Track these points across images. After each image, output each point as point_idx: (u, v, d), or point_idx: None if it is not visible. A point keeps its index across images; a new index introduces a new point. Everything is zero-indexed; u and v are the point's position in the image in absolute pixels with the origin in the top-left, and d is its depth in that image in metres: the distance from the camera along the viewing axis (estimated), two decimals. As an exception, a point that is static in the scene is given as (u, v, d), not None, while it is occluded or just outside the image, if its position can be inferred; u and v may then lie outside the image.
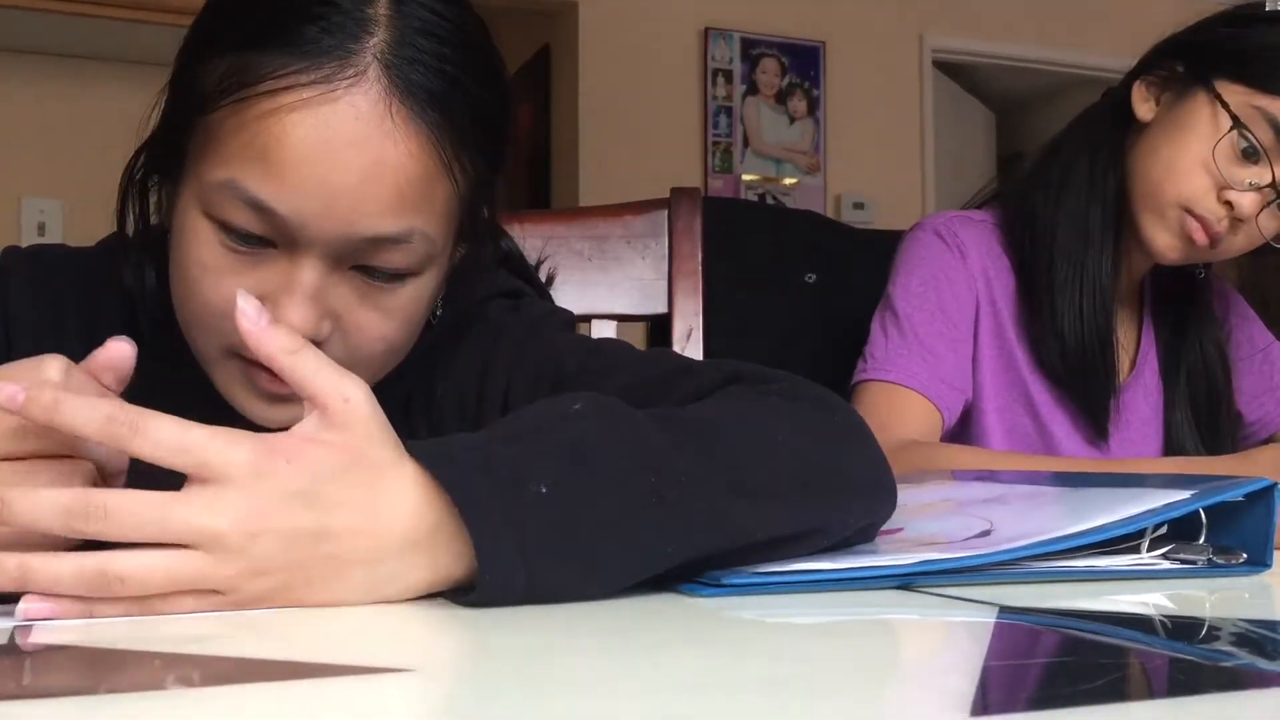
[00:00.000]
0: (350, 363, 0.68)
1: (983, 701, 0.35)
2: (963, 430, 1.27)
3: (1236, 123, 1.15)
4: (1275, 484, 0.66)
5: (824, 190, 4.29)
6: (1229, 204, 1.16)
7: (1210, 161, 1.16)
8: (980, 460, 1.12)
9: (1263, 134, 1.15)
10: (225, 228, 0.68)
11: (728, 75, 4.22)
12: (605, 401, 0.58)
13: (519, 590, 0.51)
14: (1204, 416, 1.32)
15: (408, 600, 0.53)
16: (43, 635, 0.46)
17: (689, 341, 1.25)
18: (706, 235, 1.27)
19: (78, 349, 0.71)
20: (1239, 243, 1.19)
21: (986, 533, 0.66)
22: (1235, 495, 0.66)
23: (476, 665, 0.42)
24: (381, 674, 0.40)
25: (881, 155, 4.37)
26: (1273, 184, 1.15)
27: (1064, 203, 1.26)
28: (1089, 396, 1.26)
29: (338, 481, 0.51)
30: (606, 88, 4.06)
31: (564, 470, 0.53)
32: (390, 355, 0.75)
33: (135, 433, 0.49)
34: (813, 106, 4.31)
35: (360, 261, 0.69)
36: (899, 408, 1.19)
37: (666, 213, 1.27)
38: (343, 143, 0.65)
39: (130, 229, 0.78)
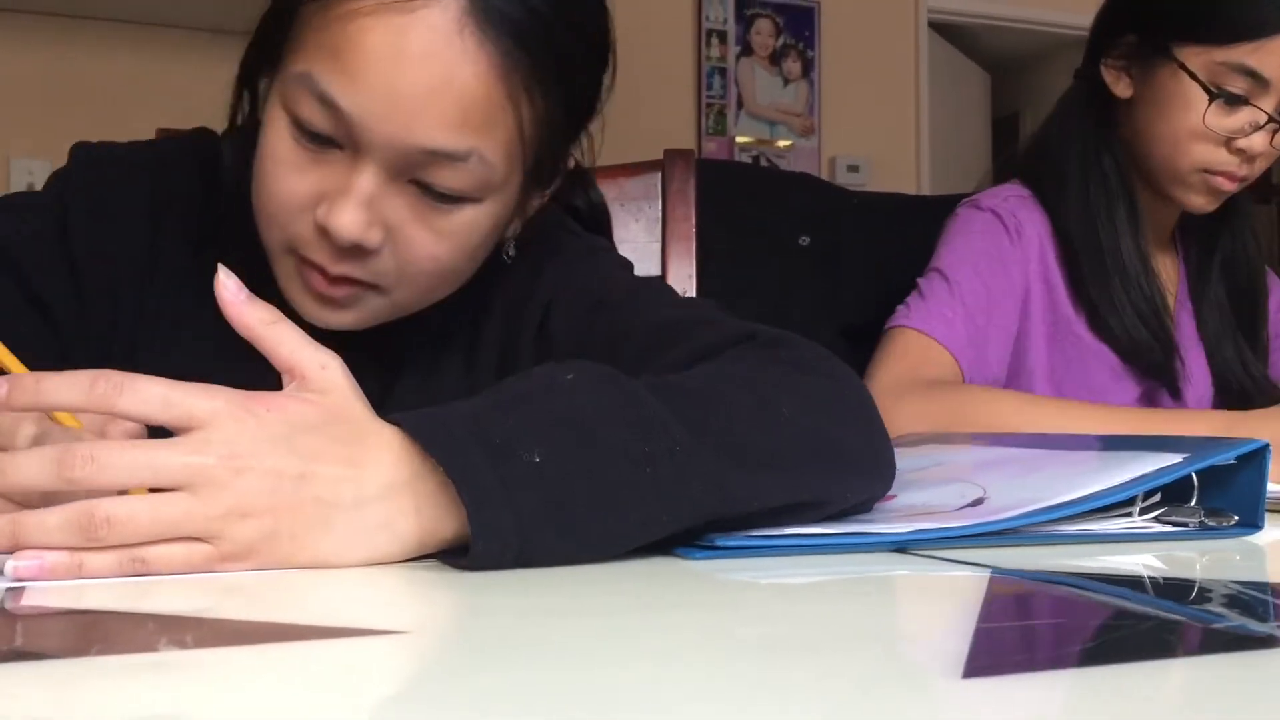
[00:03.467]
0: (399, 278, 0.74)
1: (975, 663, 0.35)
2: None
3: (1210, 92, 1.17)
4: (1267, 445, 0.66)
5: (818, 153, 4.28)
6: (1240, 150, 1.19)
7: (1203, 129, 1.18)
8: (1010, 406, 1.09)
9: (1238, 84, 1.18)
10: (297, 121, 0.70)
11: (722, 36, 4.20)
12: (598, 370, 0.58)
13: (511, 558, 0.51)
14: (1242, 319, 1.33)
15: (402, 562, 0.54)
16: (35, 598, 0.46)
17: (682, 304, 1.24)
18: (700, 198, 1.27)
19: (144, 233, 0.80)
20: (1261, 167, 1.23)
21: (979, 500, 0.67)
22: (1227, 458, 0.66)
23: (471, 628, 0.42)
24: (377, 636, 0.40)
25: (876, 117, 4.35)
26: (1270, 117, 1.18)
27: (1067, 199, 1.26)
28: (1153, 372, 1.26)
29: (318, 433, 0.51)
30: (600, 48, 4.03)
31: (556, 440, 0.52)
32: (442, 278, 0.76)
33: (121, 393, 0.49)
34: (807, 68, 4.29)
35: (418, 175, 0.71)
36: (931, 356, 1.18)
37: (660, 175, 1.27)
38: (412, 52, 0.67)
39: (241, 120, 0.80)
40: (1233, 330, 1.33)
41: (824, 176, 4.06)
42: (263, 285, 0.73)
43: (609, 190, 1.26)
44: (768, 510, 0.58)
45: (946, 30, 4.81)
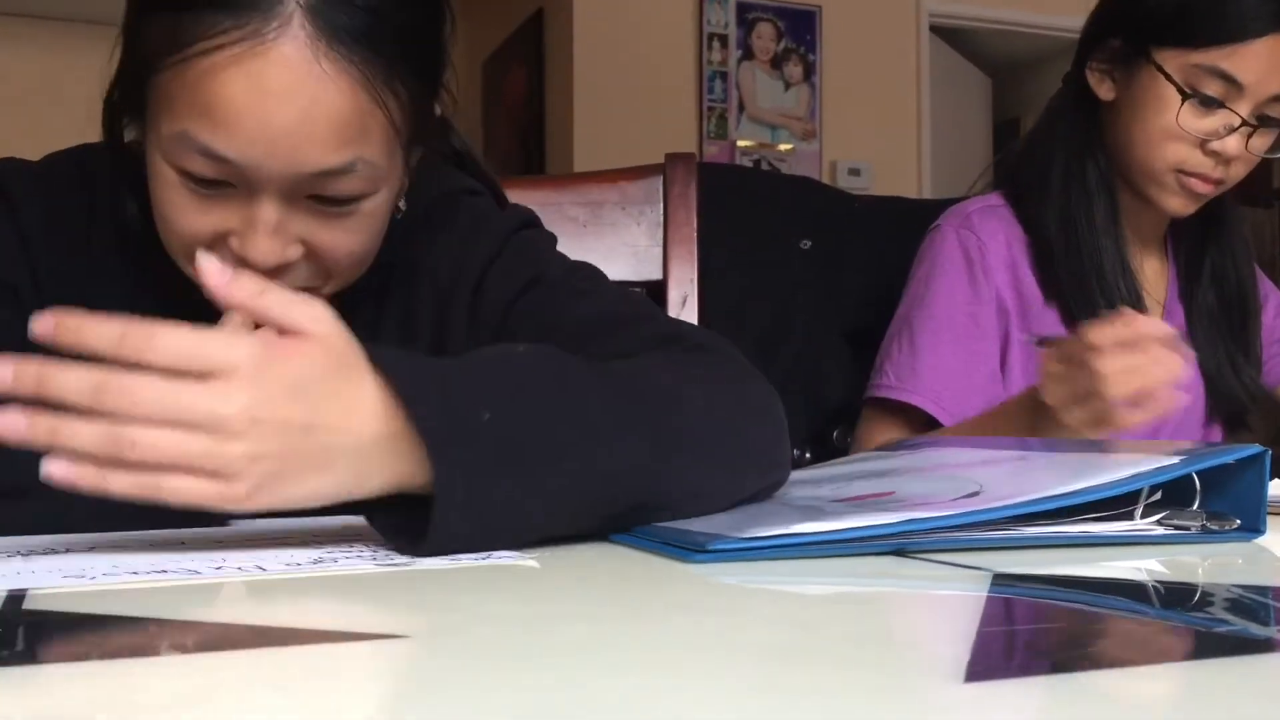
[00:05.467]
0: (326, 275, 0.79)
1: (976, 668, 0.35)
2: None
3: (1183, 93, 1.19)
4: (1267, 450, 0.66)
5: (819, 156, 4.28)
6: (1215, 152, 1.20)
7: (1178, 129, 1.20)
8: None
9: (1212, 87, 1.19)
10: (185, 173, 0.74)
11: (723, 40, 4.20)
12: (547, 349, 0.66)
13: (461, 500, 0.56)
14: (1233, 327, 1.33)
15: (400, 567, 0.54)
16: (37, 603, 0.46)
17: (684, 308, 1.24)
18: (702, 201, 1.27)
19: (82, 251, 0.84)
20: (1239, 170, 1.24)
21: (976, 493, 0.66)
22: (1227, 459, 0.66)
23: (470, 632, 0.42)
24: (376, 640, 0.40)
25: (877, 121, 4.35)
26: (1243, 121, 1.20)
27: (1048, 200, 1.28)
28: None
29: (324, 379, 0.57)
30: (601, 52, 4.04)
31: (505, 402, 0.59)
32: (361, 263, 0.81)
33: (149, 342, 0.54)
34: (809, 72, 4.30)
35: (313, 192, 0.75)
36: (902, 420, 1.23)
37: (661, 179, 1.26)
38: (276, 91, 0.71)
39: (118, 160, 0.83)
40: (1224, 337, 1.34)
41: (825, 180, 4.06)
42: (186, 282, 0.78)
43: (610, 194, 1.26)
44: (683, 496, 0.65)
45: (948, 34, 4.82)
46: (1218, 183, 1.22)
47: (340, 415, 0.57)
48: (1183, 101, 1.19)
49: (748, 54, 4.23)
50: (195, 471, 0.54)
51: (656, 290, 1.26)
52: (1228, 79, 1.19)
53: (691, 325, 0.79)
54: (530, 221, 0.94)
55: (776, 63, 4.27)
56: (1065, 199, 1.27)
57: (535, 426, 0.60)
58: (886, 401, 1.25)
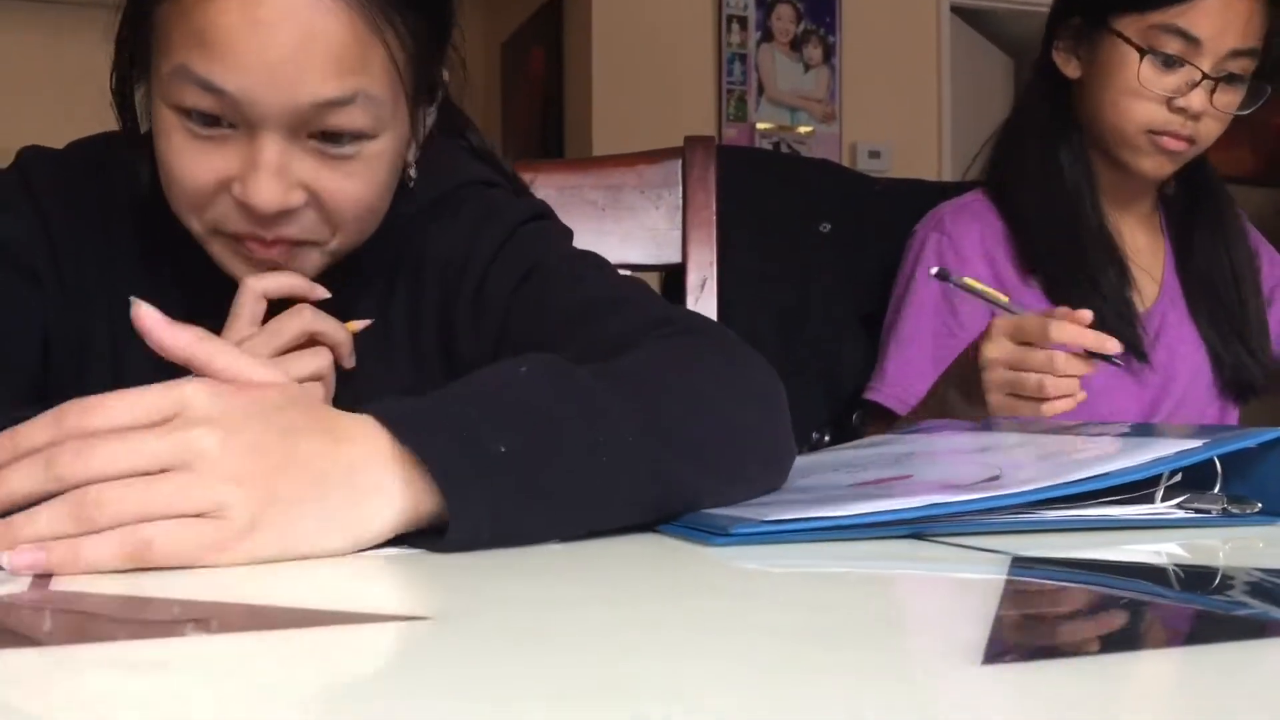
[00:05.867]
0: (329, 227, 0.78)
1: (994, 650, 0.35)
2: None
3: (1142, 51, 1.24)
4: (1291, 433, 0.66)
5: (839, 139, 4.26)
6: (1181, 109, 1.25)
7: (1140, 88, 1.25)
8: None
9: (1171, 45, 1.24)
10: (185, 113, 0.73)
11: (742, 22, 4.18)
12: (549, 361, 0.60)
13: (485, 540, 0.53)
14: (1231, 303, 1.36)
15: (419, 550, 0.54)
16: (62, 584, 0.47)
17: (703, 291, 1.24)
18: (721, 184, 1.27)
19: (101, 237, 0.84)
20: (1211, 127, 1.28)
21: (995, 478, 0.66)
22: (1249, 444, 0.65)
23: (491, 613, 0.42)
24: (399, 621, 0.40)
25: (898, 103, 4.33)
26: (1204, 75, 1.24)
27: (1027, 187, 1.33)
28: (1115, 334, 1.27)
29: (295, 409, 0.52)
30: (620, 35, 4.03)
31: (519, 431, 0.54)
32: (366, 217, 0.80)
33: (88, 415, 0.49)
34: (828, 53, 4.27)
35: (315, 128, 0.74)
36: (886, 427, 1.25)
37: (680, 162, 1.26)
38: (273, 19, 0.70)
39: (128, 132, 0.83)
40: (1226, 312, 1.36)
41: (845, 163, 4.04)
42: (205, 264, 0.80)
43: (629, 178, 1.26)
44: (701, 497, 0.62)
45: (968, 14, 4.78)
46: (1189, 140, 1.26)
47: (324, 434, 0.52)
48: (1141, 58, 1.24)
49: (767, 36, 4.21)
50: (179, 513, 0.48)
51: (676, 274, 1.26)
52: (1185, 36, 1.23)
53: (683, 309, 0.79)
54: (542, 213, 0.93)
55: (796, 45, 4.25)
56: (1042, 177, 1.32)
57: (549, 452, 0.55)
58: (875, 407, 1.31)
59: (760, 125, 4.19)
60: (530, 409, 0.56)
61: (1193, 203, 1.38)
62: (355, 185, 0.77)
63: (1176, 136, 1.26)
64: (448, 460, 0.52)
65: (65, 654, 0.36)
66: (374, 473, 0.52)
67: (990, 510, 0.61)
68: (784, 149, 4.14)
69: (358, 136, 0.76)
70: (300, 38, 0.71)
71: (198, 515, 0.48)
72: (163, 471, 0.48)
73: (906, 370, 1.29)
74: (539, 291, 0.83)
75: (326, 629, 0.40)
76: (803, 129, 4.24)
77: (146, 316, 0.53)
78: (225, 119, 0.73)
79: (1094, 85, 1.30)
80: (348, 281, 0.84)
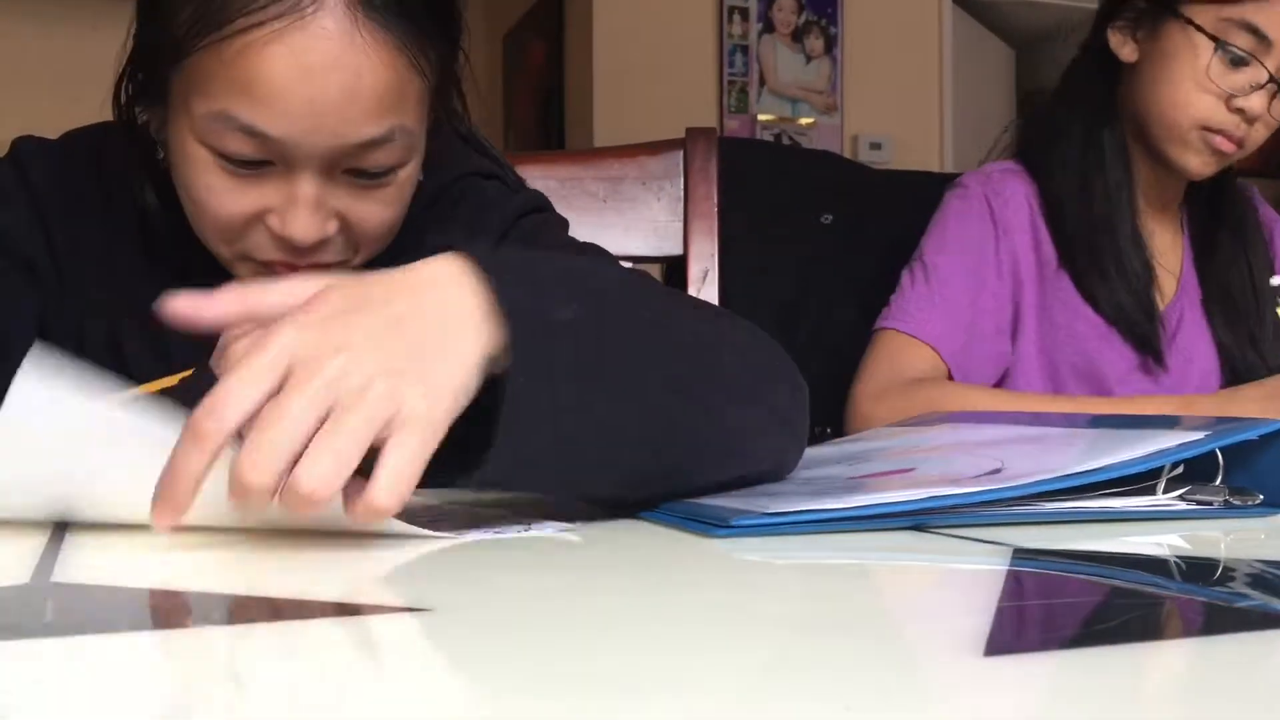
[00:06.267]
0: (354, 249, 0.79)
1: (997, 642, 0.35)
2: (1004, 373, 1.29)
3: (1217, 42, 1.20)
4: (1293, 427, 0.65)
5: (841, 130, 4.25)
6: (1240, 110, 1.21)
7: (1207, 81, 1.21)
8: (986, 400, 1.14)
9: (1243, 41, 1.20)
10: (223, 154, 0.73)
11: (744, 13, 4.17)
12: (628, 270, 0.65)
13: (546, 399, 0.53)
14: (1247, 305, 1.34)
15: (421, 541, 0.54)
16: (67, 574, 0.47)
17: (705, 283, 1.24)
18: (722, 176, 1.27)
19: (99, 226, 0.84)
20: (1260, 133, 1.25)
21: (997, 471, 0.66)
22: (1251, 435, 0.65)
23: (493, 605, 0.42)
24: (401, 613, 0.41)
25: (899, 95, 4.32)
26: (1271, 78, 1.21)
27: (1064, 167, 1.29)
28: (1136, 337, 1.28)
29: (379, 284, 0.54)
30: (621, 26, 4.02)
31: (588, 306, 0.57)
32: (390, 235, 0.82)
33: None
34: (830, 45, 4.27)
35: (351, 165, 0.75)
36: (912, 355, 1.23)
37: (682, 154, 1.26)
38: (320, 65, 0.71)
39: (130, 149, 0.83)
40: (1241, 314, 1.34)
41: (846, 154, 4.04)
42: (205, 254, 0.80)
43: (630, 169, 1.26)
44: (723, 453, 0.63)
45: (970, 5, 4.77)
46: (1239, 143, 1.23)
47: (409, 290, 0.54)
48: (1214, 51, 1.20)
49: (768, 27, 4.21)
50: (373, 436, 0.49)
51: (677, 266, 1.26)
52: (1258, 34, 1.20)
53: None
54: (540, 205, 0.93)
55: (797, 36, 4.24)
56: (1083, 166, 1.28)
57: (616, 343, 0.57)
58: (895, 335, 1.25)
59: (761, 117, 4.18)
60: (603, 291, 0.60)
61: (1215, 202, 1.36)
62: (385, 210, 0.79)
63: (1229, 137, 1.22)
64: (520, 316, 0.53)
65: (67, 645, 0.36)
66: (461, 321, 0.53)
67: (991, 503, 0.61)
68: (785, 140, 4.14)
69: (391, 168, 0.77)
70: (347, 82, 0.71)
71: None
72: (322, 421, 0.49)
73: (951, 315, 1.24)
74: None
75: (331, 620, 0.40)
76: (804, 120, 4.23)
77: (180, 308, 0.53)
78: (264, 159, 0.73)
79: (1151, 73, 1.25)
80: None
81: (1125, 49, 1.28)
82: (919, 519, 0.60)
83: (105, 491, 0.55)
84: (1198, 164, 1.25)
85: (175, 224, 0.80)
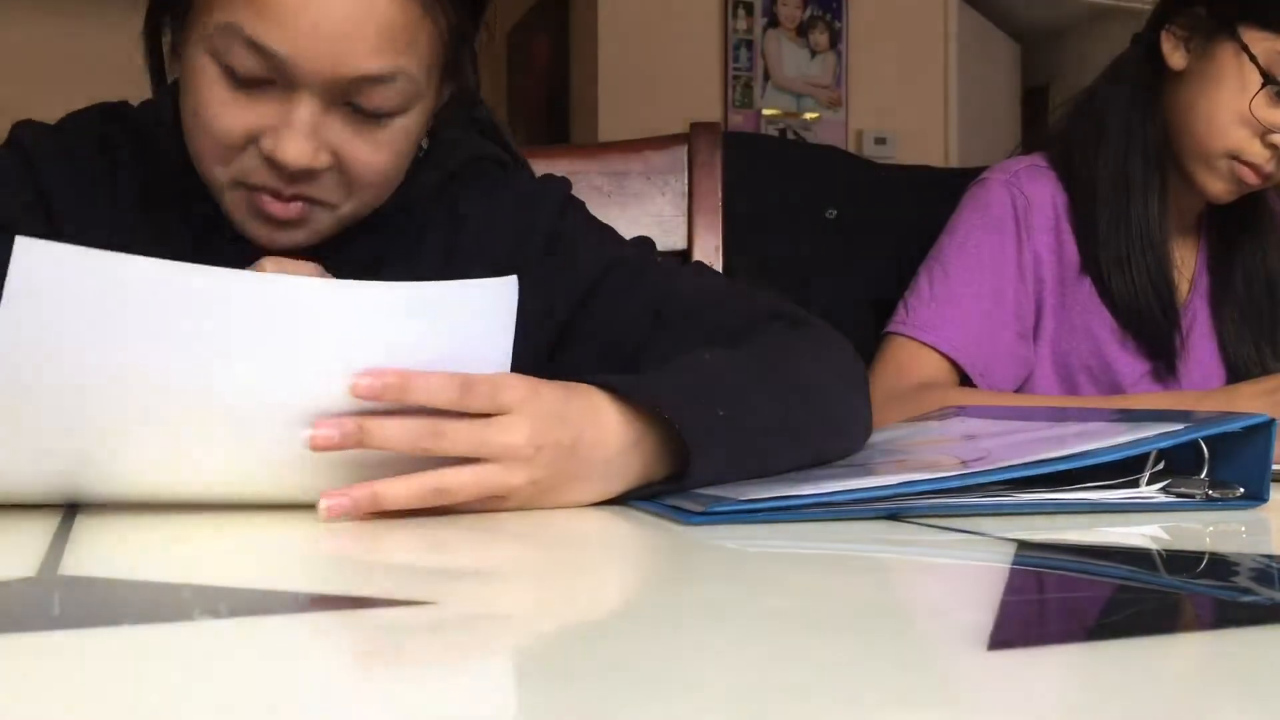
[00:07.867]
0: (347, 191, 0.80)
1: (999, 637, 0.36)
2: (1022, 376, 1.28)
3: (1267, 78, 1.17)
4: (1273, 419, 0.66)
5: (845, 125, 4.25)
6: (1274, 145, 1.19)
7: (1248, 115, 1.18)
8: (994, 403, 1.13)
9: None
10: (228, 67, 0.75)
11: (748, 8, 4.17)
12: (725, 353, 0.72)
13: (716, 475, 0.63)
14: (1261, 320, 1.32)
15: (423, 536, 0.54)
16: (74, 567, 0.47)
17: (707, 278, 1.25)
18: (727, 171, 1.27)
19: (104, 208, 0.84)
20: None
21: (980, 459, 0.67)
22: (1232, 428, 0.66)
23: (494, 598, 0.43)
24: (403, 606, 0.41)
25: (904, 89, 4.31)
26: None
27: (1102, 157, 1.26)
28: (1152, 340, 1.26)
29: (573, 404, 0.63)
30: (625, 21, 4.02)
31: (730, 402, 0.65)
32: (383, 185, 0.83)
33: (463, 394, 0.59)
34: (834, 39, 4.26)
35: (351, 99, 0.76)
36: (921, 361, 1.22)
37: (686, 148, 1.27)
38: None
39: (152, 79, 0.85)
40: (1253, 329, 1.32)
41: (851, 149, 4.03)
42: (208, 233, 0.82)
43: (634, 164, 1.26)
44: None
45: (976, 0, 4.76)
46: (1267, 177, 1.21)
47: (595, 431, 0.63)
48: (1262, 87, 1.17)
49: (773, 22, 4.20)
50: (482, 488, 0.59)
51: (682, 260, 1.26)
52: None
53: (779, 299, 0.86)
54: (570, 189, 0.96)
55: (802, 30, 4.23)
56: (1121, 158, 1.25)
57: (758, 417, 0.66)
58: (907, 342, 1.24)
59: (766, 111, 4.18)
60: (739, 389, 0.68)
61: (1238, 219, 1.33)
62: (380, 155, 0.79)
63: (1259, 171, 1.21)
64: (693, 427, 0.63)
65: (71, 638, 0.37)
66: (621, 462, 0.64)
67: (965, 489, 0.61)
68: (790, 135, 4.14)
69: (391, 112, 0.77)
70: (356, 10, 0.72)
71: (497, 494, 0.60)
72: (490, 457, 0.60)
73: (969, 323, 1.23)
74: (636, 283, 0.88)
75: (332, 613, 0.40)
76: (809, 115, 4.23)
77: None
78: (267, 78, 0.74)
79: (1196, 88, 1.22)
80: (375, 238, 0.86)
81: (1175, 55, 1.25)
82: (894, 507, 0.60)
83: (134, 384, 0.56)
84: (1220, 189, 1.23)
85: (178, 198, 0.80)
